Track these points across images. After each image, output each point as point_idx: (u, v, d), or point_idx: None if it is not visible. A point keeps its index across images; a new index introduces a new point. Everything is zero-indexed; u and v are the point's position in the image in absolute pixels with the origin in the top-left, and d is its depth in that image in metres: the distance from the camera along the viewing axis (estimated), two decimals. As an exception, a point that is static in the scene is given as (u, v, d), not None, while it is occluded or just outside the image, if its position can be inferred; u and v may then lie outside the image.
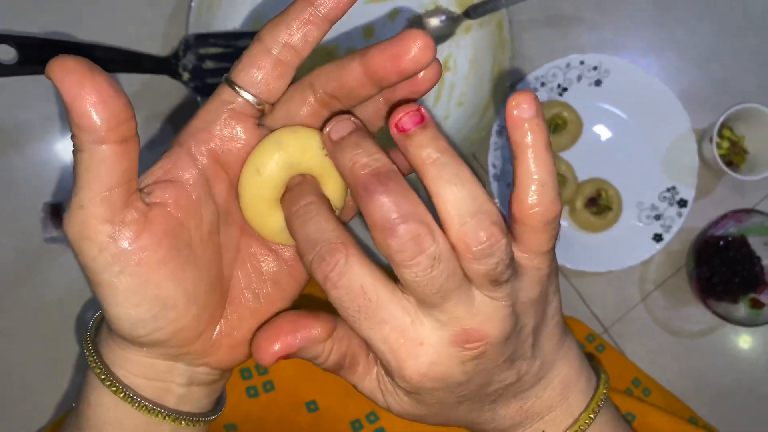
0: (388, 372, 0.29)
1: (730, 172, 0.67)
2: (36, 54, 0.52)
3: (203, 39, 0.63)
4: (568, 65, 0.70)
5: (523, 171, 0.27)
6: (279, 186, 0.29)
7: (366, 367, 0.31)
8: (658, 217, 0.70)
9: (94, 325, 0.32)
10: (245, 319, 0.32)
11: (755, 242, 0.70)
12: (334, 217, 0.28)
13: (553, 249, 0.29)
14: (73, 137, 0.26)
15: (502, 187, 0.68)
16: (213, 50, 0.63)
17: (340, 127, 0.27)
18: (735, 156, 0.71)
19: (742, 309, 0.69)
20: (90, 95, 0.25)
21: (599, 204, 0.68)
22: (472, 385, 0.29)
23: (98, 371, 0.30)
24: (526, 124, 0.27)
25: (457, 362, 0.28)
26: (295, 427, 0.55)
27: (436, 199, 0.26)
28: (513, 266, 0.28)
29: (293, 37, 0.28)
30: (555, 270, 0.31)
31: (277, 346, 0.29)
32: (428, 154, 0.26)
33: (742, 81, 0.73)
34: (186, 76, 0.61)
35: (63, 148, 0.67)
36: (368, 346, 0.29)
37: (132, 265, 0.27)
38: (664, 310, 0.72)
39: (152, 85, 0.67)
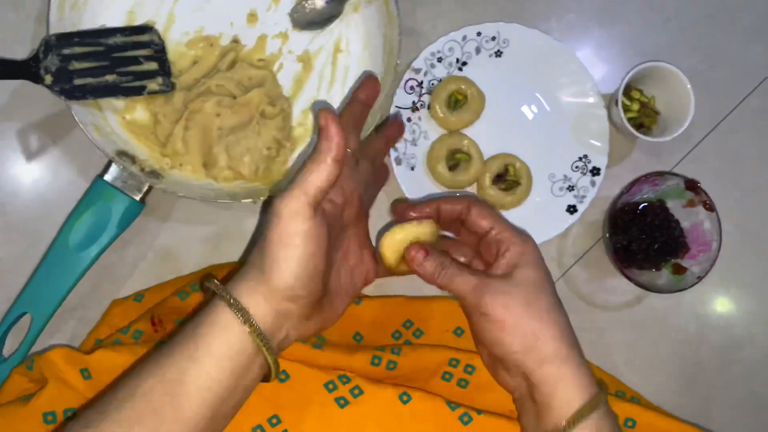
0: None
1: (639, 135, 0.64)
2: None
3: (67, 39, 0.59)
4: (464, 38, 0.66)
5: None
6: (402, 246, 0.52)
7: None
8: (571, 188, 0.67)
9: (219, 281, 0.46)
10: (328, 306, 0.49)
11: (674, 206, 0.67)
12: None
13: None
14: (317, 154, 0.44)
15: (405, 170, 0.65)
16: (79, 50, 0.59)
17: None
18: (646, 118, 0.68)
19: (665, 276, 0.66)
20: (340, 136, 0.44)
21: (507, 179, 0.65)
22: None
23: (236, 311, 0.43)
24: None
25: None
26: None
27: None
28: None
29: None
30: None
31: None
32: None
33: (650, 39, 0.70)
34: (49, 79, 0.57)
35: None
36: None
37: (315, 239, 0.43)
38: (586, 284, 0.69)
39: (23, 94, 0.63)
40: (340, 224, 0.49)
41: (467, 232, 0.55)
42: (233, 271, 0.48)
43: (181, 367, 0.43)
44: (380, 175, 0.61)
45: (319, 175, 0.43)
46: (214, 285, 0.45)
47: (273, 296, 0.44)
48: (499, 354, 0.49)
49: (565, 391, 0.46)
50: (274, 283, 0.44)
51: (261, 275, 0.44)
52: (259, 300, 0.44)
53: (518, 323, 0.47)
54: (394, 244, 0.52)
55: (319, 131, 0.44)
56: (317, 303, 0.46)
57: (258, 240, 0.45)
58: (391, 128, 0.61)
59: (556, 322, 0.48)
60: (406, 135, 0.65)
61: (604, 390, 0.47)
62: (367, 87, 0.55)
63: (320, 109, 0.44)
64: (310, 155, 0.44)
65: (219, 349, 0.43)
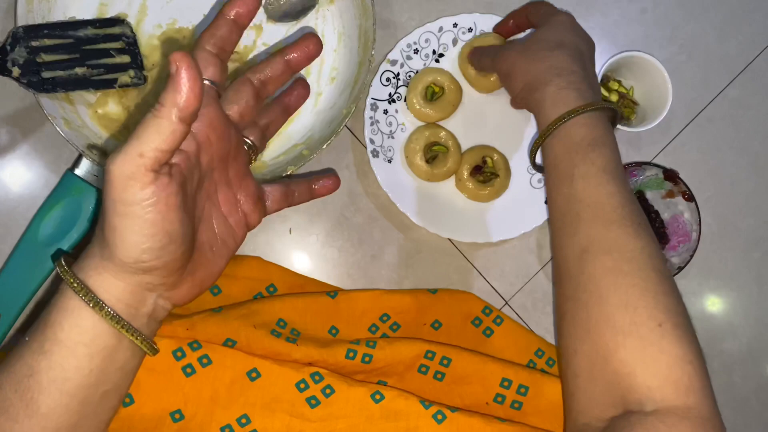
0: None
1: (617, 125, 0.64)
2: None
3: (35, 30, 0.58)
4: (440, 29, 0.66)
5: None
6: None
7: None
8: (549, 180, 0.66)
9: (65, 262, 0.40)
10: (203, 265, 0.42)
11: (653, 197, 0.67)
12: None
13: None
14: (160, 107, 0.35)
15: (382, 162, 0.64)
16: (48, 42, 0.58)
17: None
18: (625, 109, 0.68)
19: (645, 267, 0.66)
20: (193, 89, 0.35)
21: (485, 171, 0.65)
22: None
23: (83, 296, 0.39)
24: None
25: None
26: (159, 439, 0.52)
27: None
28: None
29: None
30: None
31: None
32: None
33: (627, 30, 0.70)
34: (16, 71, 0.56)
35: None
36: None
37: (159, 204, 0.36)
38: (566, 276, 0.68)
39: (-8, 87, 0.62)
40: (199, 173, 0.41)
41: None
42: None
43: (30, 361, 0.39)
44: (290, 97, 0.51)
45: (160, 135, 0.35)
46: (58, 265, 0.40)
47: (122, 272, 0.39)
48: (516, 100, 0.60)
49: (544, 110, 0.55)
50: (118, 258, 0.38)
51: (104, 249, 0.38)
52: (107, 277, 0.39)
53: (515, 68, 0.57)
54: (465, 56, 0.64)
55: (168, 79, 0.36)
56: (183, 268, 0.40)
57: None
58: (300, 46, 0.47)
59: (549, 61, 0.55)
60: (383, 128, 0.65)
61: (581, 107, 0.53)
62: (241, 1, 0.42)
63: (173, 53, 0.35)
64: (154, 107, 0.36)
65: (69, 336, 0.39)
